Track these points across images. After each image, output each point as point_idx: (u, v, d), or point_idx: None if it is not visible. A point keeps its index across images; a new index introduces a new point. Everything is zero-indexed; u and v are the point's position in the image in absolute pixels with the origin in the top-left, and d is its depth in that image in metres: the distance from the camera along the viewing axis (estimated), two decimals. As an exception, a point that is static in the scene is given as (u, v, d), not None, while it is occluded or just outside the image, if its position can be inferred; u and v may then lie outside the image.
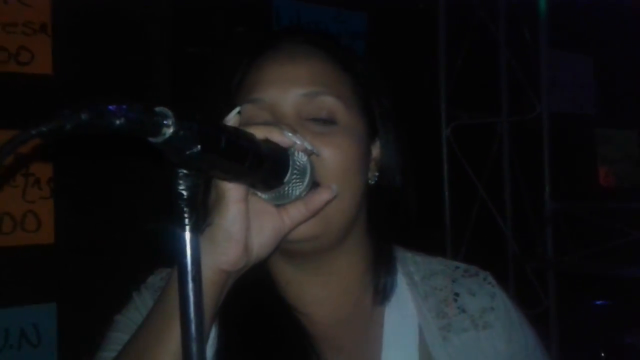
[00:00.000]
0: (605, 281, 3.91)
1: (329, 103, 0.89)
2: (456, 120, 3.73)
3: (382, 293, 0.96)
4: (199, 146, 0.64)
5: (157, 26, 2.90)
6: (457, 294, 0.96)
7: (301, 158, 0.81)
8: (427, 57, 3.76)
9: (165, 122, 0.61)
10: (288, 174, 0.80)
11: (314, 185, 0.84)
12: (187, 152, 0.64)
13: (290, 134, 0.80)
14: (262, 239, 0.82)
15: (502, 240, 4.06)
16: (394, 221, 1.02)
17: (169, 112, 0.61)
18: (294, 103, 0.89)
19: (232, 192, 0.78)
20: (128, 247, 2.48)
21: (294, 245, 0.89)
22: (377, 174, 0.97)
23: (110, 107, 0.57)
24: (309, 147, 0.82)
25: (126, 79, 2.63)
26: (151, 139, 0.62)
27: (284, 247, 0.90)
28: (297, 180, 0.81)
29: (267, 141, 0.78)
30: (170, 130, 0.61)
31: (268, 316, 0.95)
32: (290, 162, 0.80)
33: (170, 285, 0.82)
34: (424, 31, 3.79)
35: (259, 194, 0.82)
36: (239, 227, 0.78)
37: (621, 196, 4.61)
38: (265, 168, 0.77)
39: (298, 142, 0.80)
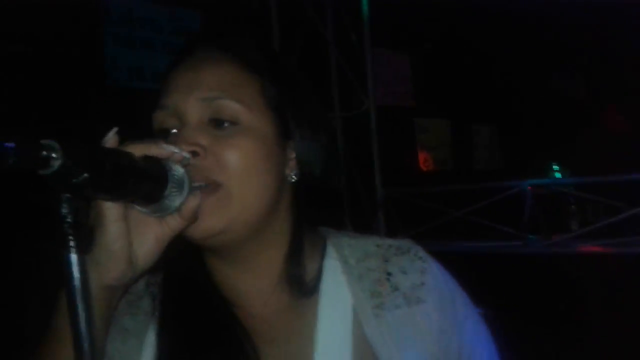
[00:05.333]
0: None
1: (228, 106, 0.91)
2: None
3: (309, 283, 0.98)
4: (85, 174, 0.68)
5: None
6: (389, 273, 0.99)
7: (178, 171, 0.84)
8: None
9: (53, 155, 0.64)
10: (167, 188, 0.83)
11: (192, 191, 0.86)
12: (74, 180, 0.67)
13: (166, 146, 0.83)
14: (145, 249, 0.85)
15: (341, 226, 4.34)
16: (319, 212, 1.03)
17: (56, 145, 0.64)
18: (194, 107, 0.91)
19: (111, 211, 0.80)
20: None
21: (202, 241, 0.91)
22: (295, 171, 0.97)
23: (5, 145, 0.59)
24: (187, 156, 0.85)
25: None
26: (40, 172, 0.64)
27: (198, 244, 0.92)
28: (176, 193, 0.84)
29: (145, 158, 0.81)
30: (58, 162, 0.64)
31: (205, 312, 0.97)
32: (169, 177, 0.83)
33: (57, 308, 0.83)
34: (258, 30, 3.89)
35: (138, 207, 0.85)
36: (120, 245, 0.81)
37: (440, 179, 5.14)
38: (146, 185, 0.81)
39: (175, 151, 0.84)
